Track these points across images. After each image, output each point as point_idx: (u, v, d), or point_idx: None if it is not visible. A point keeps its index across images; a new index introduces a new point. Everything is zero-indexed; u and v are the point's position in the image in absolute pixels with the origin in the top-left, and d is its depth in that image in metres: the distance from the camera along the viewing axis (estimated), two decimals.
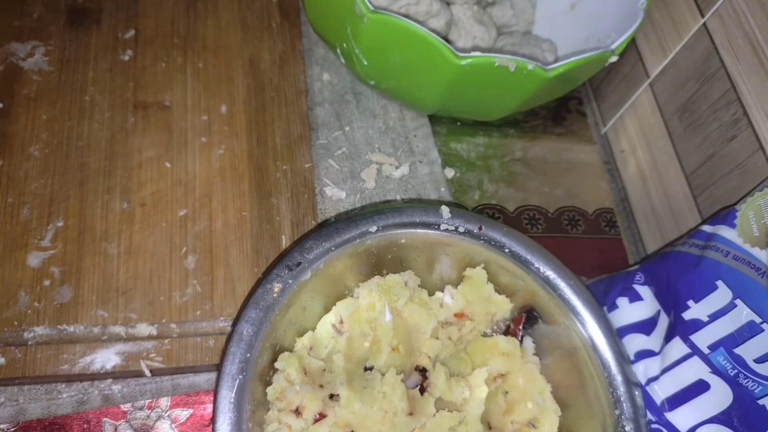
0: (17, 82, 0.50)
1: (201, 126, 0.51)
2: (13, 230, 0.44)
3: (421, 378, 0.42)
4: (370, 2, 0.44)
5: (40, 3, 0.53)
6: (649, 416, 0.42)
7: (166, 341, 0.43)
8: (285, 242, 0.48)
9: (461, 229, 0.44)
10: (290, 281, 0.40)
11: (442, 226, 0.43)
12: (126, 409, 0.42)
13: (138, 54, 0.53)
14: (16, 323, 0.41)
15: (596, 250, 0.58)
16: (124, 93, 0.51)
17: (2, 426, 0.40)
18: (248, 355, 0.37)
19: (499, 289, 0.45)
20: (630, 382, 0.41)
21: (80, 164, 0.48)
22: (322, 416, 0.39)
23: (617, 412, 0.40)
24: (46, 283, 0.43)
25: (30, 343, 0.41)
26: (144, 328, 0.43)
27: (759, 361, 0.38)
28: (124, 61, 0.53)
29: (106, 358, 0.42)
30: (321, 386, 0.40)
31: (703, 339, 0.40)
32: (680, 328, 0.42)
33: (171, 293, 0.44)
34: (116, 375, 0.42)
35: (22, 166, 0.47)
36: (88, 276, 0.44)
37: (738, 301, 0.39)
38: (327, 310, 0.43)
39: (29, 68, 0.50)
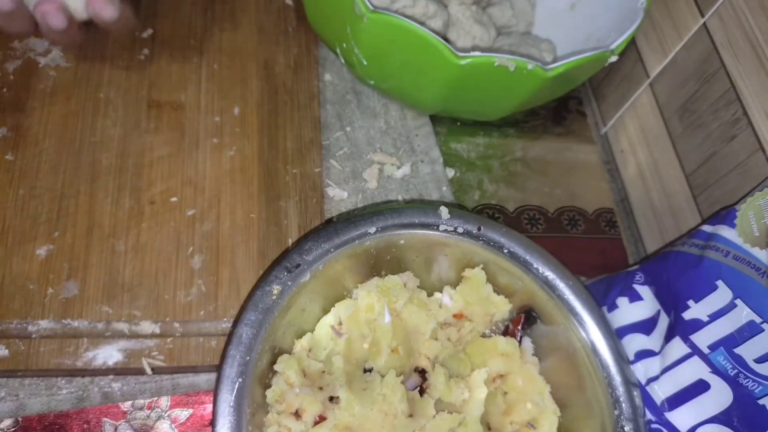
0: (34, 77, 0.50)
1: (213, 127, 0.52)
2: (22, 223, 0.45)
3: (420, 379, 0.42)
4: (370, 2, 0.44)
5: None
6: (649, 416, 0.42)
7: (169, 340, 0.44)
8: (291, 245, 0.48)
9: (460, 230, 0.44)
10: (289, 283, 0.40)
11: (441, 227, 0.44)
12: (126, 409, 0.42)
13: (154, 53, 0.54)
14: (21, 316, 0.42)
15: (596, 250, 0.58)
16: (139, 91, 0.52)
17: (3, 426, 0.41)
18: (247, 358, 0.37)
19: (498, 290, 0.45)
20: (629, 383, 0.41)
21: (92, 160, 0.48)
22: (322, 419, 0.39)
23: (616, 412, 0.40)
24: (53, 277, 0.43)
25: (34, 336, 0.42)
26: (147, 326, 0.43)
27: (759, 361, 0.38)
28: (141, 60, 0.53)
29: (109, 354, 0.42)
30: (320, 388, 0.40)
31: (703, 339, 0.40)
32: (680, 328, 0.42)
33: (176, 292, 0.45)
34: (117, 371, 0.42)
35: (35, 160, 0.47)
36: (95, 272, 0.44)
37: (738, 301, 0.39)
38: (326, 311, 0.43)
39: (46, 64, 0.51)
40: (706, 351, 0.40)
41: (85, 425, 0.41)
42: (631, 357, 0.43)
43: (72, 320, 0.42)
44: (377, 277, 0.44)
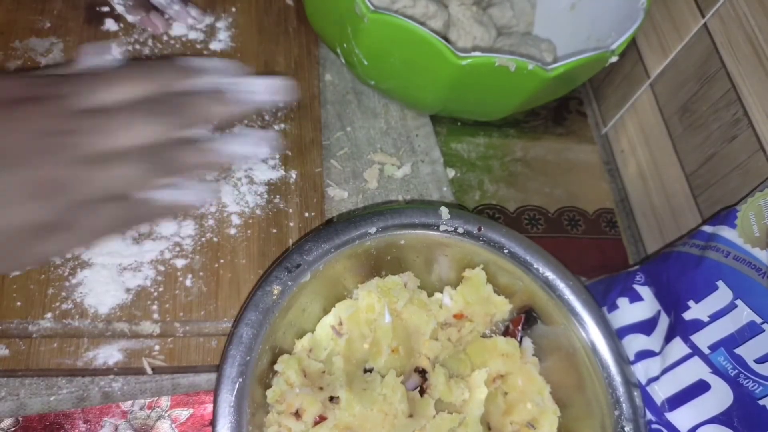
0: None
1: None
2: None
3: (420, 379, 0.42)
4: (370, 2, 0.44)
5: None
6: (650, 416, 0.42)
7: (169, 340, 0.43)
8: (292, 246, 0.48)
9: (460, 230, 0.44)
10: (289, 283, 0.40)
11: (442, 227, 0.44)
12: (126, 409, 0.42)
13: (154, 53, 0.53)
14: (21, 315, 0.41)
15: (596, 250, 0.58)
16: None
17: (3, 426, 0.41)
18: (248, 358, 0.37)
19: (499, 290, 0.45)
20: (629, 383, 0.41)
21: None
22: (322, 419, 0.39)
23: (616, 412, 0.40)
24: (54, 276, 0.43)
25: (34, 336, 0.41)
26: (148, 326, 0.43)
27: (759, 361, 0.38)
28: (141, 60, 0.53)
29: (109, 354, 0.42)
30: (321, 388, 0.40)
31: (703, 339, 0.40)
32: (681, 329, 0.42)
33: (176, 292, 0.45)
34: (118, 371, 0.42)
35: None
36: None
37: (738, 302, 0.39)
38: (326, 311, 0.43)
39: (47, 64, 0.50)
40: (707, 351, 0.40)
41: (85, 425, 0.41)
42: (632, 357, 0.43)
43: (72, 320, 0.42)
44: (377, 278, 0.44)
